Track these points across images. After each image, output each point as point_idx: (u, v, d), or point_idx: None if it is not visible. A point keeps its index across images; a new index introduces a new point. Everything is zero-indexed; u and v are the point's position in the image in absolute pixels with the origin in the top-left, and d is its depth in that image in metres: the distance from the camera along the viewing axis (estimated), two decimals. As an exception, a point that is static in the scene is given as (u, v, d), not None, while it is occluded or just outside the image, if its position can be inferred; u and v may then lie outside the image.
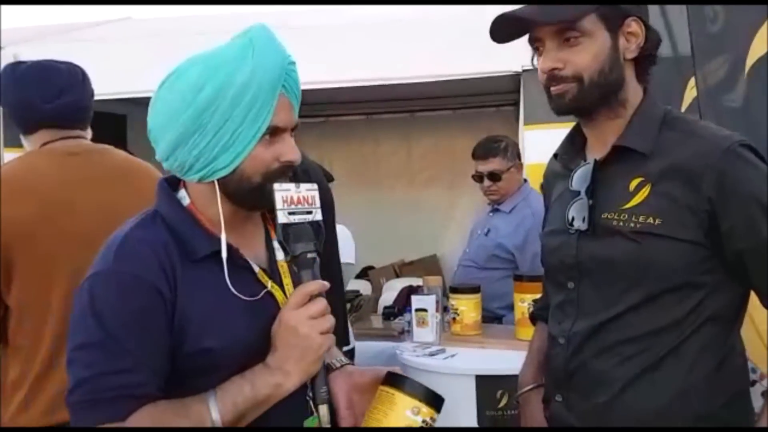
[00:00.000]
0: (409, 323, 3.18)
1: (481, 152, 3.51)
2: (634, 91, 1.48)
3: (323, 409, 1.22)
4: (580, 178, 1.51)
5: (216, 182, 1.25)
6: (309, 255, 1.24)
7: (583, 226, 1.47)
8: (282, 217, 1.23)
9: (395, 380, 1.31)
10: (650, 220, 1.39)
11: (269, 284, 1.30)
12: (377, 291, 4.87)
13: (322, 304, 1.22)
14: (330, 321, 1.22)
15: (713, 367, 1.40)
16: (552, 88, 1.46)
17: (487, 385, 2.69)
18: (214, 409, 1.16)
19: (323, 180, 2.49)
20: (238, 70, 1.20)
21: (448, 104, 5.70)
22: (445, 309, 3.19)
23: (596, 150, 1.53)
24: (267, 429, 1.24)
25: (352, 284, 4.50)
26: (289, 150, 1.26)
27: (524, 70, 4.19)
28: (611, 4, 1.42)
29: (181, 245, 1.23)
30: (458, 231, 5.77)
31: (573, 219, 1.49)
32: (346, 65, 4.21)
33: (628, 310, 1.42)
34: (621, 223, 1.42)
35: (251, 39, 1.22)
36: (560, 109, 1.49)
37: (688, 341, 1.39)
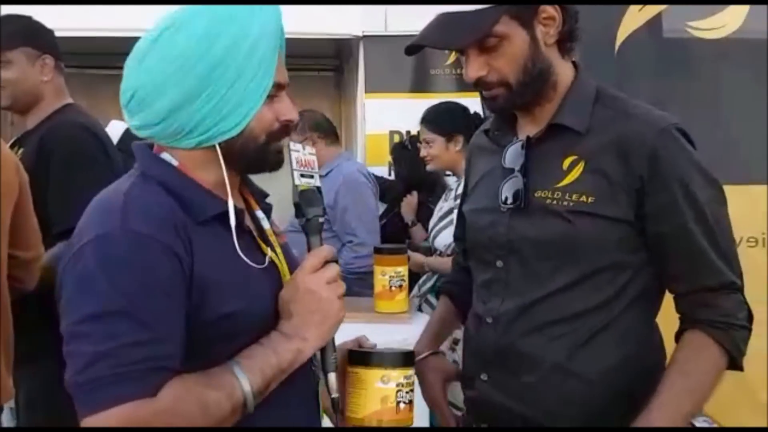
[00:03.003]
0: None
1: None
2: (563, 71, 1.45)
3: (332, 377, 1.19)
4: (513, 155, 1.47)
5: (217, 146, 1.16)
6: (320, 219, 1.22)
7: (517, 205, 1.44)
8: (297, 179, 1.21)
9: (356, 358, 1.29)
10: (583, 198, 1.37)
11: (269, 251, 1.23)
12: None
13: (336, 269, 1.19)
14: (343, 287, 1.19)
15: (637, 346, 1.43)
16: (483, 92, 1.43)
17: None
18: (244, 379, 1.09)
19: None
20: (252, 22, 1.14)
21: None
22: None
23: (527, 127, 1.50)
24: (268, 429, 1.17)
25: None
26: (289, 108, 1.21)
27: (364, 35, 4.09)
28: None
29: (184, 206, 1.13)
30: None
31: (506, 197, 1.46)
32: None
33: (559, 290, 1.40)
34: (555, 202, 1.40)
35: None
36: (495, 110, 1.48)
37: (615, 321, 1.40)
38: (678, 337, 1.43)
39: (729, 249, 1.40)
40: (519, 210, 1.43)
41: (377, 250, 2.97)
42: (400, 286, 2.91)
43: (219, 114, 1.12)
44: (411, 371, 1.31)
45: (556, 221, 1.39)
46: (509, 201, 1.44)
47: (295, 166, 1.22)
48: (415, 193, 3.73)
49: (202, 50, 1.10)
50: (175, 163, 1.18)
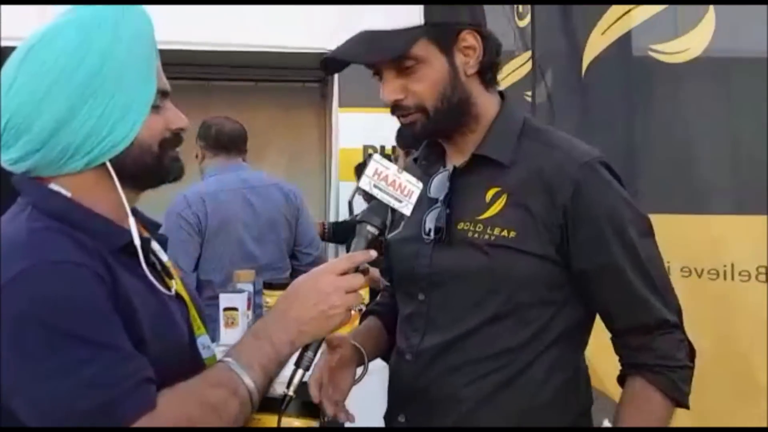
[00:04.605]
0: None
1: None
2: (486, 103, 1.41)
3: (299, 375, 1.16)
4: (438, 185, 1.44)
5: (108, 163, 1.08)
6: (369, 228, 1.21)
7: (439, 236, 1.39)
8: (364, 183, 1.22)
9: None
10: (504, 233, 1.33)
11: (173, 283, 1.21)
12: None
13: (361, 280, 1.16)
14: (360, 299, 1.17)
15: (561, 386, 1.37)
16: (400, 119, 1.38)
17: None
18: (243, 373, 1.06)
19: None
20: (120, 25, 1.08)
21: (248, 75, 5.42)
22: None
23: (455, 158, 1.45)
24: (266, 429, 1.18)
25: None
26: (179, 117, 1.17)
27: (339, 48, 3.99)
28: (440, 24, 1.33)
29: (91, 236, 1.05)
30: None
31: (429, 228, 1.41)
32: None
33: (480, 327, 1.34)
34: (476, 235, 1.35)
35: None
36: (415, 137, 1.40)
37: (538, 360, 1.35)
38: (621, 381, 1.38)
39: (663, 285, 1.35)
40: (441, 241, 1.38)
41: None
42: (360, 310, 2.82)
43: (106, 125, 1.06)
44: (315, 423, 1.28)
45: (475, 254, 1.34)
46: (432, 232, 1.40)
47: (370, 173, 1.22)
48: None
49: (77, 59, 1.04)
50: (68, 194, 1.09)
